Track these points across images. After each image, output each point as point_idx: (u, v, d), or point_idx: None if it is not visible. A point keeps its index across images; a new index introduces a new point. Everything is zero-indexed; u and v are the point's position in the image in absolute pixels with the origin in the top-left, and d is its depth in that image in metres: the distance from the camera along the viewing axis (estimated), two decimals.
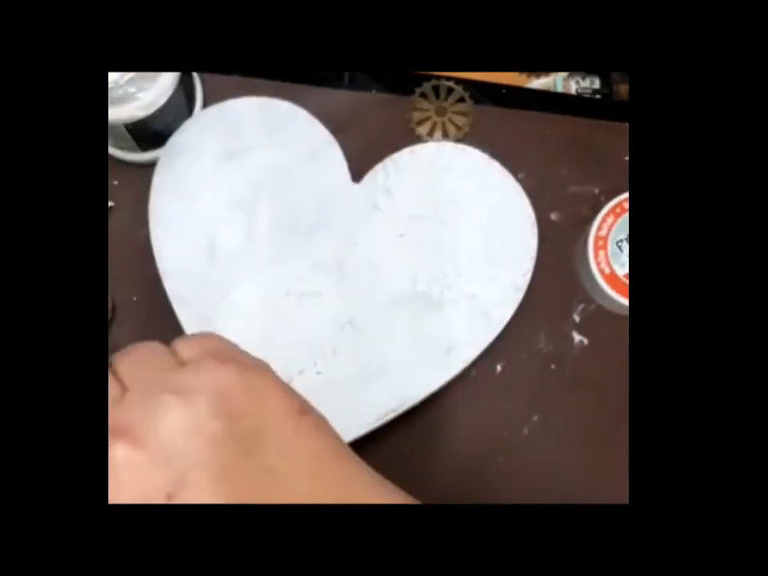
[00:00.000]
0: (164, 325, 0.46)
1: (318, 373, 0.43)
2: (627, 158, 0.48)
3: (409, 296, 0.44)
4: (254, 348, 0.42)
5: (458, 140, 0.48)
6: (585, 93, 0.51)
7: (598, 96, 0.51)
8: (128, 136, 0.43)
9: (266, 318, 0.43)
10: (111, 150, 0.46)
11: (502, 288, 0.44)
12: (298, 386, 0.42)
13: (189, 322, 0.43)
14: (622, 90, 0.51)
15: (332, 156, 0.46)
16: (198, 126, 0.46)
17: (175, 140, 0.45)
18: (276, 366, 0.42)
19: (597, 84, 0.51)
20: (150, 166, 0.47)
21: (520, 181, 0.46)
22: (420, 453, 0.45)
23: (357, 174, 0.46)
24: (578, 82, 0.51)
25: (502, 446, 0.45)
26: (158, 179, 0.45)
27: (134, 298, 0.46)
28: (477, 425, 0.45)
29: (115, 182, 0.47)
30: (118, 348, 0.45)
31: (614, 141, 0.49)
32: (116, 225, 0.46)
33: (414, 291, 0.44)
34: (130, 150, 0.45)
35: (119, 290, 0.45)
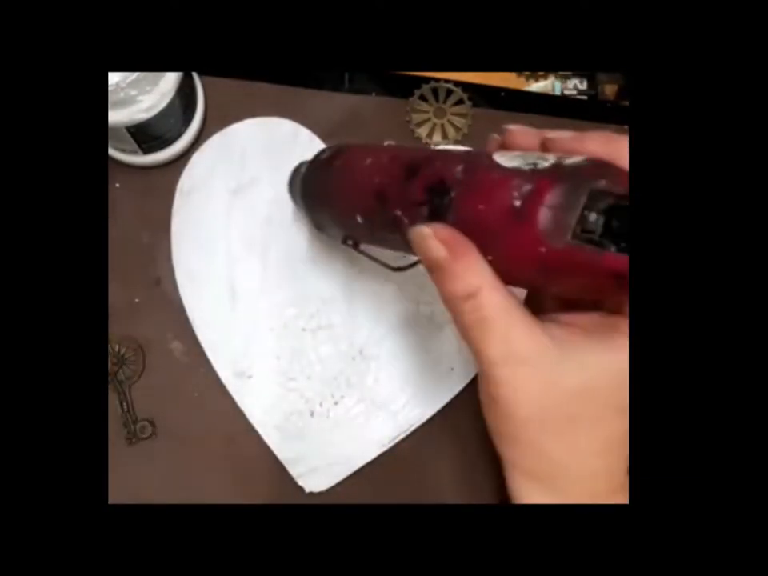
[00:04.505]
0: (165, 326, 0.46)
1: (336, 403, 0.45)
2: None
3: (412, 320, 0.46)
4: (280, 385, 0.45)
5: (457, 141, 0.48)
6: (571, 94, 0.51)
7: (584, 97, 0.51)
8: (130, 138, 0.43)
9: (288, 356, 0.46)
10: (113, 153, 0.46)
11: None
12: (319, 417, 0.44)
13: (222, 369, 0.45)
14: (608, 90, 0.51)
15: None
16: (205, 160, 0.47)
17: (185, 178, 0.47)
18: (299, 401, 0.45)
19: (584, 85, 0.52)
20: (152, 169, 0.47)
21: None
22: (420, 453, 0.45)
23: None
24: (563, 83, 0.51)
25: None
26: (176, 225, 0.46)
27: (136, 300, 0.46)
28: (475, 425, 0.45)
29: (117, 185, 0.47)
30: (119, 350, 0.45)
31: None
32: (117, 227, 0.46)
33: (417, 314, 0.45)
34: (132, 152, 0.45)
35: (120, 291, 0.46)
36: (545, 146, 0.28)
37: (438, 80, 0.50)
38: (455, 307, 0.26)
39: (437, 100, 0.50)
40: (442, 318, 0.45)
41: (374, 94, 0.49)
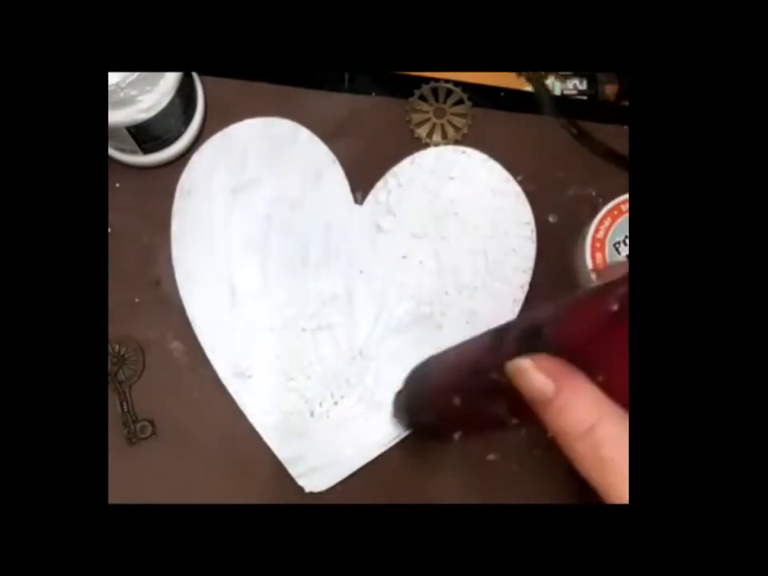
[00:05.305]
0: (165, 326, 0.46)
1: (335, 403, 0.45)
2: None
3: (413, 320, 0.46)
4: (280, 386, 0.45)
5: (457, 141, 0.48)
6: (571, 94, 0.51)
7: (584, 97, 0.51)
8: (130, 138, 0.43)
9: (288, 357, 0.45)
10: (113, 153, 0.46)
11: (501, 302, 0.45)
12: (319, 417, 0.45)
13: (222, 369, 0.45)
14: (608, 90, 0.51)
15: (334, 177, 0.47)
16: (205, 160, 0.47)
17: (185, 178, 0.47)
18: (299, 401, 0.45)
19: (584, 85, 0.51)
20: (152, 169, 0.47)
21: (518, 183, 0.47)
22: (420, 453, 0.45)
23: (358, 182, 0.47)
24: (563, 83, 0.51)
25: (500, 447, 0.45)
26: (176, 225, 0.46)
27: (136, 300, 0.46)
28: None
29: (117, 185, 0.47)
30: (119, 350, 0.45)
31: (611, 143, 0.49)
32: (117, 227, 0.46)
33: (418, 314, 0.45)
34: (132, 152, 0.45)
35: (120, 291, 0.46)
36: None
37: (437, 80, 0.50)
38: (569, 445, 0.24)
39: (437, 100, 0.50)
40: (440, 318, 0.45)
41: (373, 94, 0.50)
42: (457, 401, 0.33)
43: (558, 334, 0.25)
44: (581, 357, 0.24)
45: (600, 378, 0.24)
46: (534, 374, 0.24)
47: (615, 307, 0.24)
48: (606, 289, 0.25)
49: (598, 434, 0.23)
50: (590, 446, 0.23)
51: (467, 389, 0.33)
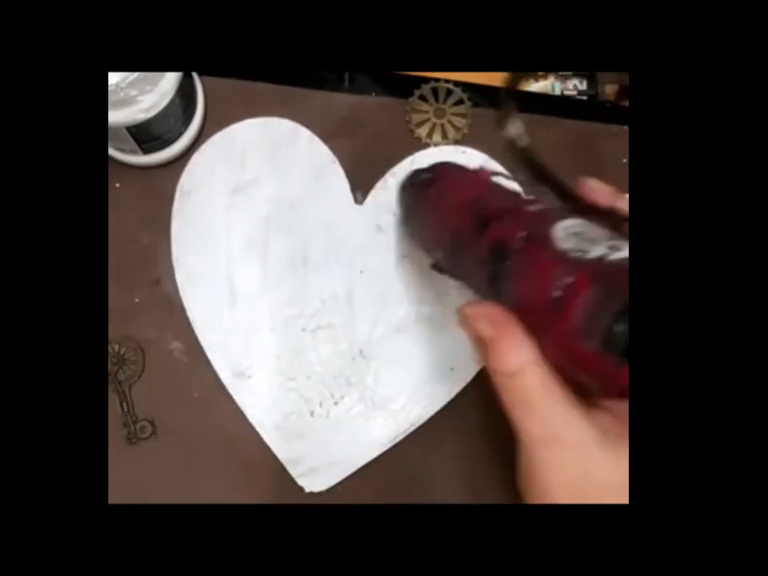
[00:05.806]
0: (165, 326, 0.46)
1: (335, 403, 0.45)
2: (625, 161, 0.49)
3: (412, 320, 0.46)
4: (280, 386, 0.45)
5: (457, 141, 0.48)
6: (571, 94, 0.51)
7: (584, 97, 0.51)
8: (130, 138, 0.43)
9: (288, 357, 0.46)
10: (113, 153, 0.46)
11: None
12: (319, 417, 0.45)
13: (222, 369, 0.45)
14: (608, 90, 0.51)
15: (334, 178, 0.47)
16: (205, 160, 0.47)
17: (185, 178, 0.47)
18: (299, 401, 0.45)
19: (584, 85, 0.52)
20: (152, 169, 0.47)
21: (518, 183, 0.47)
22: (420, 453, 0.45)
23: (358, 181, 0.47)
24: (563, 83, 0.51)
25: (499, 447, 0.45)
26: (176, 225, 0.46)
27: (136, 300, 0.46)
28: (475, 426, 0.45)
29: (117, 185, 0.47)
30: (119, 350, 0.45)
31: (611, 143, 0.49)
32: (117, 227, 0.46)
33: (418, 315, 0.45)
34: (132, 152, 0.45)
35: (120, 291, 0.46)
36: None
37: (438, 80, 0.50)
38: (499, 383, 0.27)
39: (437, 100, 0.50)
40: (441, 319, 0.45)
41: (373, 94, 0.49)
42: (441, 255, 0.35)
43: (515, 279, 0.27)
44: (526, 311, 0.26)
45: (535, 337, 0.26)
46: (479, 321, 0.28)
47: (557, 294, 0.25)
48: (563, 266, 0.25)
49: (522, 379, 0.26)
50: (515, 386, 0.26)
51: (448, 252, 0.34)
